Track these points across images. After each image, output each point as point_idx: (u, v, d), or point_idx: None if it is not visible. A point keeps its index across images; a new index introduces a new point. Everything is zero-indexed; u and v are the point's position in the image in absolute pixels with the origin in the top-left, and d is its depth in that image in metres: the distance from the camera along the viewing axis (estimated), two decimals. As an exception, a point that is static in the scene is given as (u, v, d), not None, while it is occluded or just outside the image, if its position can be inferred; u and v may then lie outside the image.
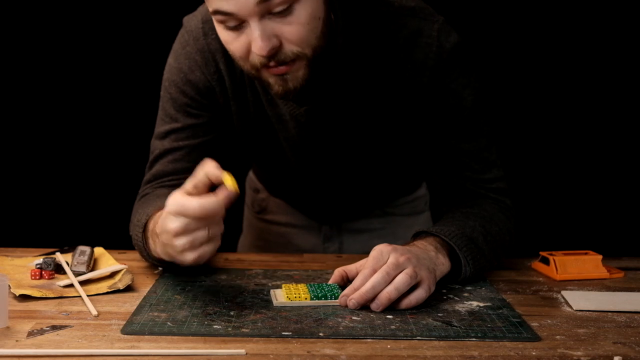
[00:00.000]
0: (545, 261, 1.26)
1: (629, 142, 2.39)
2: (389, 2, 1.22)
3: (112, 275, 1.15)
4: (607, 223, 2.40)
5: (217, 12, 1.06)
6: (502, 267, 1.27)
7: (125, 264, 1.18)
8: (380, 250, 1.06)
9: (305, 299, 1.05)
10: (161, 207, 1.12)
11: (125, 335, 0.92)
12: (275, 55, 1.08)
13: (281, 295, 1.07)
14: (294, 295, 1.05)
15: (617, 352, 0.90)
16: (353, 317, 1.00)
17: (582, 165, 2.41)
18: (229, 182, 0.98)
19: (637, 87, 2.35)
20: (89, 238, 1.36)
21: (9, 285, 1.08)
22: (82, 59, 2.29)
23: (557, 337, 0.95)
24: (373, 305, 1.02)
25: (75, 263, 1.16)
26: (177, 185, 1.27)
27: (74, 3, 2.25)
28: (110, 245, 1.32)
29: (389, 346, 0.90)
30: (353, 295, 1.02)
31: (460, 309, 1.05)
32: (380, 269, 1.03)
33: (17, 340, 0.90)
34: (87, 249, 1.22)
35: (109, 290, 1.10)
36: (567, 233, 2.37)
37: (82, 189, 2.37)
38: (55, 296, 1.07)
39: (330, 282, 1.11)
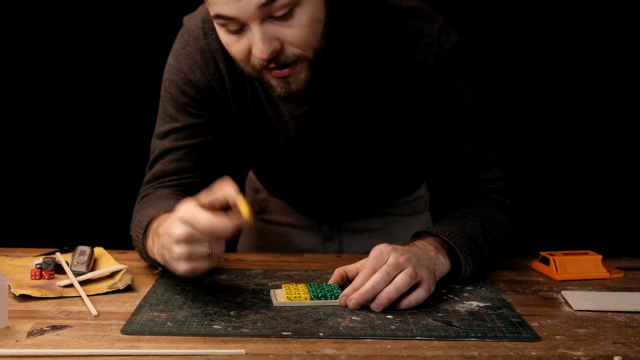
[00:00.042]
0: (545, 261, 1.26)
1: (629, 142, 2.39)
2: (389, 2, 1.22)
3: (112, 275, 1.15)
4: (607, 223, 2.40)
5: (218, 16, 1.06)
6: (502, 267, 1.27)
7: (125, 264, 1.18)
8: (380, 250, 1.06)
9: (305, 299, 1.05)
10: (167, 208, 1.13)
11: (125, 335, 0.92)
12: (276, 58, 1.08)
13: (281, 295, 1.07)
14: (294, 295, 1.05)
15: (617, 352, 0.90)
16: (353, 317, 1.00)
17: (582, 165, 2.41)
18: (244, 210, 0.99)
19: (637, 87, 2.35)
20: (89, 238, 1.36)
21: (9, 285, 1.08)
22: (82, 59, 2.29)
23: (557, 337, 0.95)
24: (373, 305, 1.02)
25: (75, 263, 1.16)
26: (178, 185, 1.28)
27: (74, 3, 2.25)
28: (110, 245, 1.32)
29: (389, 346, 0.90)
30: (353, 295, 1.03)
31: (460, 309, 1.05)
32: (380, 269, 1.03)
33: (17, 340, 0.90)
34: (87, 249, 1.22)
35: (109, 290, 1.10)
36: (567, 233, 2.37)
37: (82, 189, 2.37)
38: (55, 296, 1.07)
39: (330, 282, 1.11)
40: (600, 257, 1.25)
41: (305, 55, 1.10)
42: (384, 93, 1.24)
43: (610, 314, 1.05)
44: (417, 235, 1.18)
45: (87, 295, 1.06)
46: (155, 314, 1.00)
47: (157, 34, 1.84)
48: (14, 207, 2.34)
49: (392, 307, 1.02)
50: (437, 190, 1.34)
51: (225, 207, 1.02)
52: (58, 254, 1.24)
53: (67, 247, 1.31)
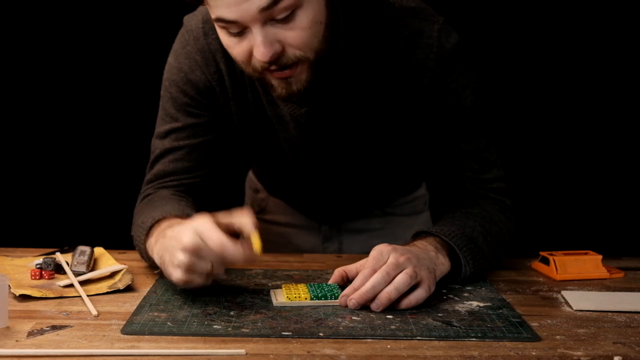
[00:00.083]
0: (545, 261, 1.26)
1: (629, 142, 2.39)
2: (389, 3, 1.22)
3: (112, 275, 1.15)
4: (607, 223, 2.40)
5: (219, 19, 1.06)
6: (502, 267, 1.27)
7: (125, 264, 1.18)
8: (380, 250, 1.06)
9: (305, 299, 1.05)
10: (177, 213, 1.13)
11: (125, 335, 0.92)
12: (277, 60, 1.08)
13: (281, 295, 1.07)
14: (294, 295, 1.05)
15: (617, 352, 0.90)
16: (353, 317, 1.00)
17: (582, 165, 2.41)
18: (256, 244, 1.01)
19: (637, 87, 2.35)
20: (89, 238, 1.36)
21: (9, 285, 1.08)
22: (82, 59, 2.29)
23: (557, 337, 0.95)
24: (373, 305, 1.02)
25: (75, 263, 1.16)
26: (178, 185, 1.29)
27: (74, 3, 2.25)
28: (110, 245, 1.32)
29: (389, 346, 0.91)
30: (353, 295, 1.03)
31: (460, 309, 1.05)
32: (380, 269, 1.03)
33: (17, 340, 0.90)
34: (87, 249, 1.22)
35: (109, 290, 1.10)
36: (567, 233, 2.37)
37: (82, 189, 2.37)
38: (55, 296, 1.07)
39: (330, 282, 1.11)
40: (600, 257, 1.25)
41: (307, 57, 1.10)
42: (384, 93, 1.24)
43: (610, 314, 1.05)
44: (417, 235, 1.18)
45: (87, 295, 1.06)
46: (156, 314, 1.00)
47: (157, 34, 1.84)
48: (14, 207, 2.34)
49: (392, 307, 1.02)
50: (437, 190, 1.34)
51: (237, 235, 1.03)
52: (58, 254, 1.24)
53: (67, 247, 1.31)
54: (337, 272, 1.11)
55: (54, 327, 0.95)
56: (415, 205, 1.62)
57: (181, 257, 0.99)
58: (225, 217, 1.04)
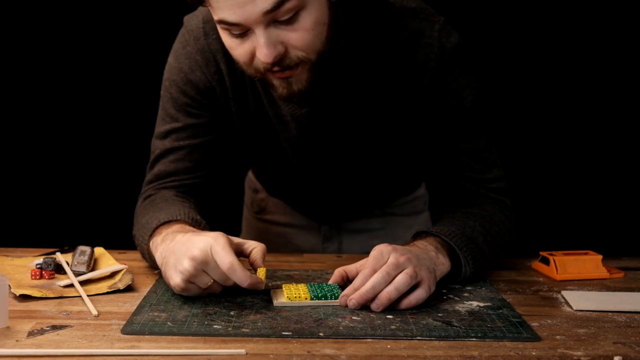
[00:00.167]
0: (545, 261, 1.26)
1: (629, 142, 2.39)
2: (389, 3, 1.22)
3: (112, 275, 1.15)
4: (607, 223, 2.40)
5: (222, 21, 1.06)
6: (502, 267, 1.27)
7: (125, 264, 1.18)
8: (380, 250, 1.06)
9: (305, 299, 1.05)
10: (182, 215, 1.14)
11: (125, 335, 0.92)
12: (280, 61, 1.08)
13: (281, 295, 1.07)
14: (294, 295, 1.05)
15: (617, 352, 0.90)
16: (353, 317, 1.00)
17: (582, 165, 2.41)
18: (262, 276, 1.05)
19: (637, 87, 2.35)
20: (89, 238, 1.36)
21: (9, 285, 1.08)
22: (82, 59, 2.29)
23: (557, 337, 0.95)
24: (373, 305, 1.02)
25: (76, 263, 1.16)
26: (179, 186, 1.29)
27: (74, 3, 2.25)
28: (110, 245, 1.32)
29: (389, 346, 0.91)
30: (353, 295, 1.03)
31: (460, 309, 1.05)
32: (381, 269, 1.03)
33: (17, 340, 0.90)
34: (87, 249, 1.22)
35: (109, 290, 1.10)
36: (567, 233, 2.37)
37: (82, 189, 2.37)
38: (55, 296, 1.07)
39: (330, 282, 1.11)
40: (600, 257, 1.25)
41: (309, 58, 1.10)
42: (385, 93, 1.24)
43: (610, 314, 1.05)
44: (417, 235, 1.18)
45: (87, 295, 1.06)
46: (156, 314, 1.00)
47: (157, 34, 1.84)
48: (14, 207, 2.35)
49: (392, 307, 1.02)
50: (437, 190, 1.34)
51: (244, 256, 1.08)
52: (58, 254, 1.24)
53: (67, 247, 1.31)
54: (337, 272, 1.11)
55: (54, 327, 0.95)
56: (415, 205, 1.62)
57: (187, 265, 0.99)
58: (243, 244, 1.08)
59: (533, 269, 1.29)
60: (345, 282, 1.10)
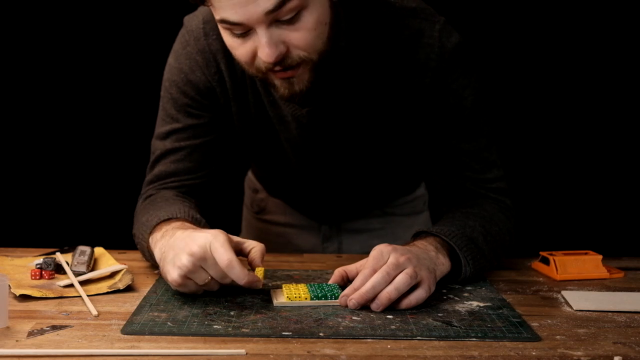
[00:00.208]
0: (545, 261, 1.26)
1: (629, 142, 2.39)
2: (389, 3, 1.22)
3: (112, 275, 1.15)
4: (607, 223, 2.40)
5: (223, 21, 1.06)
6: (502, 267, 1.27)
7: (125, 264, 1.18)
8: (380, 250, 1.06)
9: (305, 299, 1.05)
10: (183, 214, 1.14)
11: (125, 335, 0.92)
12: (282, 61, 1.08)
13: (281, 295, 1.07)
14: (294, 295, 1.05)
15: (617, 352, 0.90)
16: (353, 317, 1.00)
17: (582, 165, 2.41)
18: (260, 276, 1.07)
19: (637, 87, 2.35)
20: (89, 238, 1.36)
21: (9, 285, 1.08)
22: (82, 59, 2.29)
23: (557, 337, 0.95)
24: (373, 306, 1.02)
25: (75, 263, 1.16)
26: (180, 186, 1.29)
27: (74, 3, 2.25)
28: (110, 245, 1.32)
29: (389, 346, 0.91)
30: (353, 295, 1.02)
31: (460, 309, 1.05)
32: (381, 269, 1.03)
33: (17, 340, 0.90)
34: (87, 249, 1.22)
35: (109, 290, 1.10)
36: (567, 233, 2.37)
37: (82, 189, 2.37)
38: (55, 296, 1.07)
39: (330, 282, 1.11)
40: (600, 257, 1.25)
41: (310, 57, 1.10)
42: (385, 93, 1.24)
43: (610, 314, 1.05)
44: (417, 235, 1.18)
45: (87, 295, 1.06)
46: (156, 314, 1.00)
47: (157, 34, 1.84)
48: (14, 207, 2.35)
49: (392, 307, 1.02)
50: (437, 190, 1.34)
51: (242, 254, 1.08)
52: (58, 254, 1.24)
53: (67, 247, 1.31)
54: (337, 272, 1.11)
55: (54, 327, 0.95)
56: (415, 205, 1.62)
57: (185, 260, 0.99)
58: (243, 243, 1.08)
59: (533, 269, 1.29)
60: (345, 282, 1.10)
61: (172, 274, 1.02)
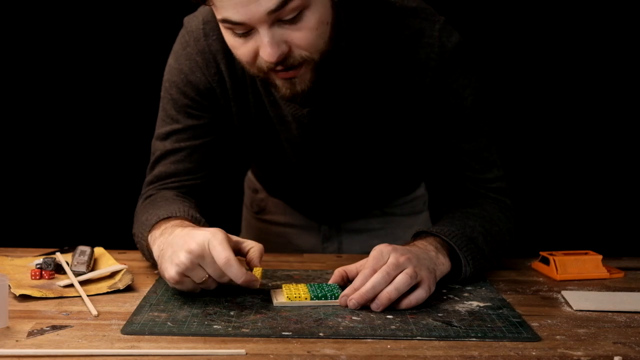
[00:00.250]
0: (545, 261, 1.26)
1: (629, 142, 2.39)
2: (390, 3, 1.22)
3: (112, 275, 1.15)
4: (607, 223, 2.40)
5: (225, 20, 1.06)
6: (502, 267, 1.27)
7: (125, 264, 1.18)
8: (380, 250, 1.06)
9: (305, 299, 1.05)
10: (182, 213, 1.14)
11: (125, 335, 0.92)
12: (284, 60, 1.08)
13: (281, 295, 1.07)
14: (294, 295, 1.05)
15: (617, 352, 0.90)
16: (353, 317, 1.00)
17: (582, 165, 2.41)
18: (258, 275, 1.07)
19: (637, 87, 2.35)
20: (89, 238, 1.36)
21: (9, 285, 1.08)
22: (82, 60, 2.29)
23: (557, 337, 0.95)
24: (373, 306, 1.02)
25: (75, 263, 1.16)
26: (180, 187, 1.29)
27: (74, 3, 2.25)
28: (110, 245, 1.32)
29: (389, 346, 0.91)
30: (353, 295, 1.02)
31: (460, 309, 1.05)
32: (381, 269, 1.03)
33: (17, 340, 0.90)
34: (87, 249, 1.22)
35: (109, 290, 1.10)
36: (567, 233, 2.37)
37: (82, 189, 2.37)
38: (55, 296, 1.07)
39: (330, 282, 1.11)
40: (600, 257, 1.25)
41: (312, 57, 1.10)
42: (385, 93, 1.24)
43: (610, 314, 1.05)
44: (417, 235, 1.18)
45: (87, 295, 1.06)
46: (156, 314, 1.00)
47: (157, 34, 1.84)
48: (14, 207, 2.35)
49: (392, 307, 1.02)
50: (437, 190, 1.34)
51: (241, 254, 1.09)
52: (58, 254, 1.24)
53: (67, 247, 1.31)
54: (337, 272, 1.11)
55: (54, 327, 0.95)
56: (415, 205, 1.62)
57: (183, 257, 0.99)
58: (242, 242, 1.08)
59: (533, 269, 1.29)
60: (345, 282, 1.10)
61: (170, 271, 1.01)
